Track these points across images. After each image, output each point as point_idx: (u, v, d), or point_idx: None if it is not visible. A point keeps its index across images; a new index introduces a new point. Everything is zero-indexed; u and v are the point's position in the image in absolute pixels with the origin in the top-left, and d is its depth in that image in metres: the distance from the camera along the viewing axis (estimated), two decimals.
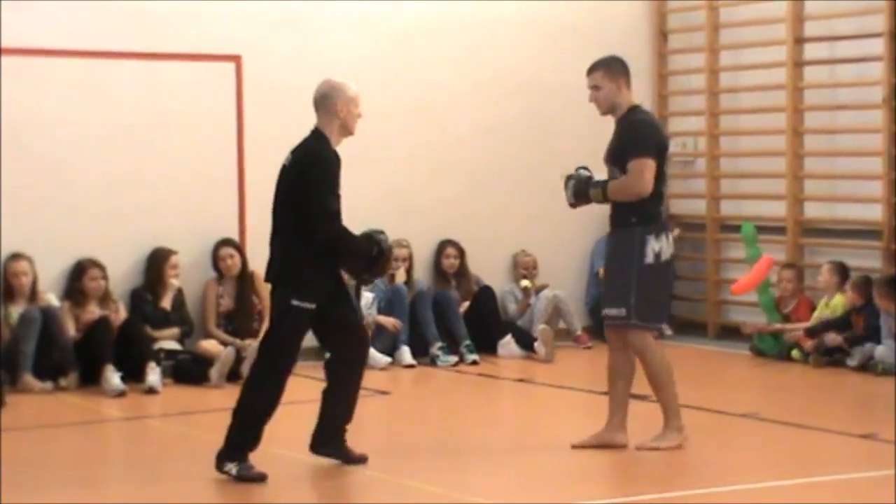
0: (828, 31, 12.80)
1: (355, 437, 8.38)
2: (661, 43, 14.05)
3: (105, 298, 11.50)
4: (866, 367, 11.47)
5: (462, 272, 12.99)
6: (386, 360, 12.04)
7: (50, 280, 11.49)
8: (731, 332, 13.07)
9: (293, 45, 12.44)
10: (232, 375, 11.13)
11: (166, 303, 11.70)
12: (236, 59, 12.23)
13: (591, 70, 8.66)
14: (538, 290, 13.12)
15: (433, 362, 12.26)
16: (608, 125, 8.76)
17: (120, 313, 11.50)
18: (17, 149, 11.40)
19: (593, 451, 8.59)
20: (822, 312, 12.14)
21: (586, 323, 13.10)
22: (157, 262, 11.76)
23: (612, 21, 13.60)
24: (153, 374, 10.96)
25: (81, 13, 11.70)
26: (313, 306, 8.00)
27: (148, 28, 11.92)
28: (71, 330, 11.24)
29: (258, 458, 8.02)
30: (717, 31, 13.65)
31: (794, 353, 12.02)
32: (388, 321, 12.27)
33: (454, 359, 12.28)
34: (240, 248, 12.03)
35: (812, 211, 13.04)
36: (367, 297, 12.15)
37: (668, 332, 13.58)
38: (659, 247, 8.52)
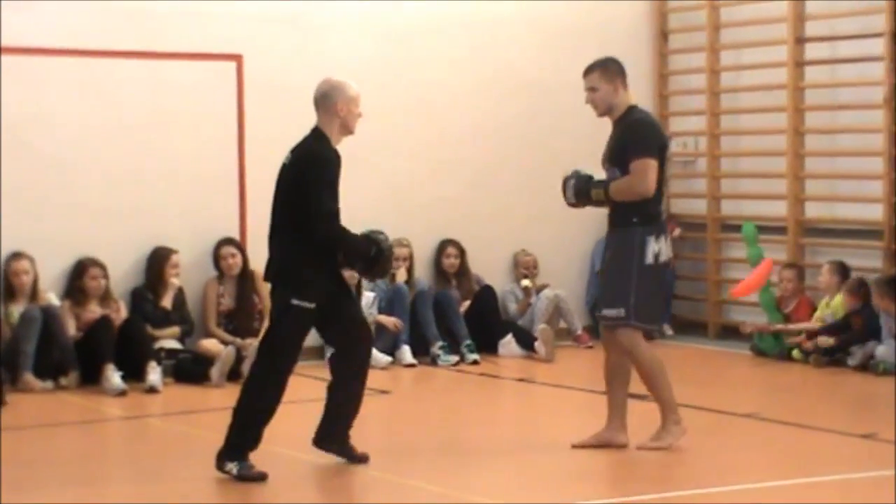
0: (829, 31, 12.80)
1: (356, 436, 8.38)
2: (661, 43, 14.05)
3: (106, 297, 11.50)
4: (867, 366, 11.47)
5: (463, 272, 12.99)
6: (387, 359, 12.04)
7: (51, 279, 11.49)
8: (731, 332, 13.07)
9: (294, 45, 12.44)
10: (232, 375, 11.13)
11: (167, 302, 11.70)
12: (237, 58, 12.23)
13: (588, 72, 8.65)
14: (539, 289, 13.12)
15: (434, 362, 12.26)
16: (609, 125, 8.75)
17: (121, 312, 11.49)
18: (18, 148, 11.40)
19: (594, 451, 8.59)
20: (822, 312, 12.14)
21: (587, 322, 13.10)
22: (158, 262, 11.76)
23: (612, 21, 13.60)
24: (154, 374, 10.96)
25: (82, 12, 11.70)
26: (313, 306, 8.00)
27: (148, 27, 11.92)
28: (71, 329, 11.24)
29: (258, 458, 8.02)
30: (718, 31, 13.65)
31: (795, 352, 12.02)
32: (389, 320, 12.27)
33: (455, 358, 12.28)
34: (241, 247, 12.03)
35: (813, 211, 13.05)
36: (367, 296, 12.15)
37: (669, 331, 13.61)
38: (658, 248, 8.53)
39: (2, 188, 11.31)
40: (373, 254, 8.10)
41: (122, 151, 11.84)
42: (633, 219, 8.50)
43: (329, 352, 8.55)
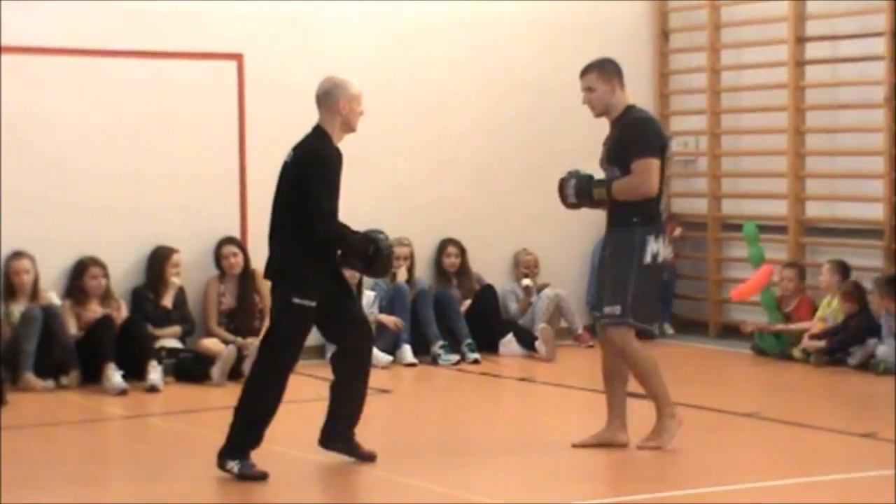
0: (829, 31, 12.81)
1: (357, 436, 8.37)
2: (662, 42, 14.05)
3: (106, 297, 11.50)
4: (867, 366, 11.47)
5: (463, 271, 13.00)
6: (387, 358, 12.04)
7: (51, 278, 11.49)
8: (732, 332, 13.07)
9: (295, 44, 12.44)
10: (233, 374, 11.14)
11: (168, 301, 11.71)
12: (238, 57, 12.23)
13: (585, 72, 8.65)
14: (539, 288, 13.13)
15: (434, 361, 12.27)
16: (609, 124, 8.75)
17: (121, 311, 11.50)
18: (19, 147, 11.40)
19: (594, 451, 8.59)
20: (823, 312, 12.13)
21: (588, 322, 13.08)
22: (159, 261, 11.76)
23: (613, 20, 13.60)
24: (154, 373, 10.96)
25: (82, 12, 11.70)
26: (314, 304, 8.00)
27: (149, 27, 11.92)
28: (72, 328, 11.24)
29: (259, 457, 8.02)
30: (719, 30, 13.65)
31: (796, 352, 12.02)
32: (390, 320, 12.28)
33: (455, 357, 12.28)
34: (242, 246, 12.03)
35: (813, 210, 13.05)
36: (368, 295, 12.16)
37: (670, 331, 13.61)
38: (657, 248, 8.53)
39: (2, 188, 11.31)
40: (371, 252, 8.09)
41: (122, 151, 11.84)
42: (634, 218, 8.50)
43: (330, 351, 8.55)
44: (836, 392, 11.07)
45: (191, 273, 11.93)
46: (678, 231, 13.72)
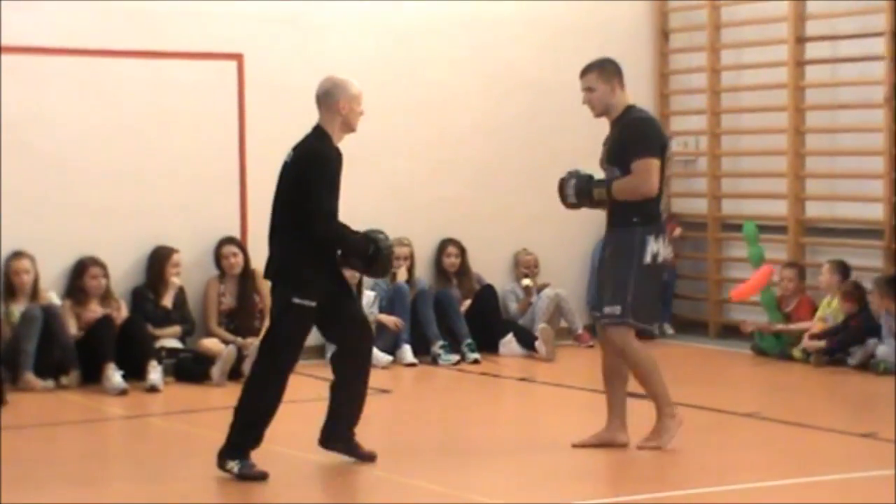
0: (829, 31, 12.81)
1: (357, 436, 8.37)
2: (662, 42, 14.05)
3: (106, 297, 11.50)
4: (867, 366, 11.47)
5: (463, 271, 13.00)
6: (387, 358, 12.04)
7: (51, 278, 11.49)
8: (732, 332, 13.07)
9: (295, 44, 12.44)
10: (233, 374, 11.14)
11: (168, 301, 11.71)
12: (238, 57, 12.23)
13: (585, 72, 8.65)
14: (539, 288, 13.13)
15: (435, 361, 12.27)
16: (608, 124, 8.75)
17: (121, 311, 11.50)
18: (19, 147, 11.40)
19: (594, 451, 8.59)
20: (824, 312, 12.13)
21: (588, 322, 13.07)
22: (159, 261, 11.76)
23: (613, 20, 13.60)
24: (154, 373, 10.96)
25: (82, 12, 11.70)
26: (314, 304, 8.00)
27: (149, 27, 11.92)
28: (72, 328, 11.24)
29: (259, 457, 8.02)
30: (719, 30, 13.65)
31: (796, 352, 12.02)
32: (390, 320, 12.28)
33: (455, 357, 12.28)
34: (242, 246, 12.03)
35: (813, 210, 13.05)
36: (368, 295, 12.16)
37: (670, 331, 13.61)
38: (657, 248, 8.53)
39: (2, 188, 11.30)
40: (371, 252, 8.09)
41: (122, 151, 11.84)
42: (634, 218, 8.50)
43: (330, 351, 8.55)
44: (836, 392, 11.07)
45: (191, 273, 11.93)
46: (678, 231, 13.72)
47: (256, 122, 12.20)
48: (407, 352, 12.23)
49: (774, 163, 13.16)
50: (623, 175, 8.50)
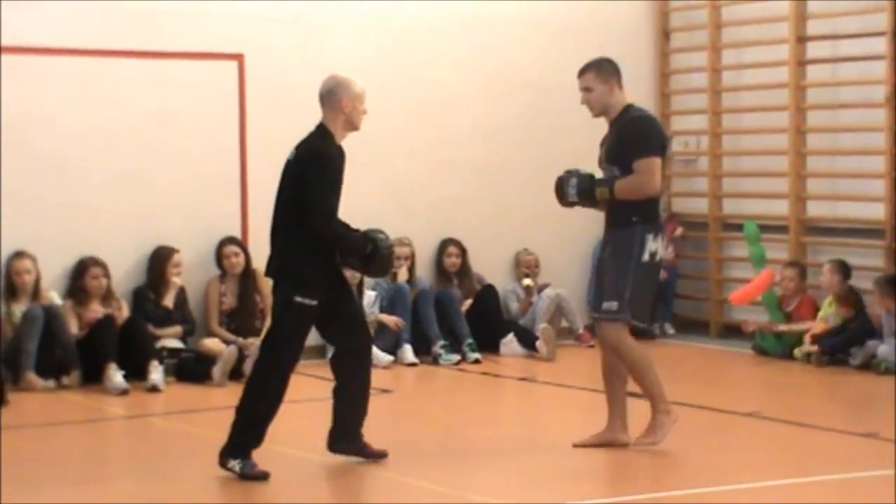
0: (830, 30, 12.80)
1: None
2: (663, 41, 14.05)
3: (107, 297, 11.50)
4: (868, 366, 11.47)
5: (464, 271, 13.00)
6: (388, 358, 12.04)
7: (53, 278, 11.49)
8: (733, 331, 13.06)
9: (295, 44, 12.45)
10: (234, 374, 11.14)
11: (168, 301, 11.71)
12: (239, 57, 12.23)
13: (583, 72, 8.64)
14: (540, 288, 13.13)
15: (435, 361, 12.27)
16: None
17: (122, 311, 11.50)
18: (19, 147, 11.40)
19: (595, 450, 8.58)
20: (825, 312, 12.13)
21: (588, 322, 13.08)
22: (160, 261, 11.76)
23: (613, 20, 13.60)
24: (156, 373, 10.96)
25: (83, 12, 11.70)
26: (315, 303, 8.00)
27: (150, 27, 11.92)
28: (73, 328, 11.25)
29: (260, 456, 8.02)
30: (720, 30, 13.65)
31: (797, 352, 12.01)
32: (391, 319, 12.28)
33: (456, 357, 12.28)
34: (244, 246, 12.03)
35: (814, 210, 13.05)
36: (369, 295, 12.17)
37: (671, 330, 13.61)
38: (655, 246, 8.52)
39: (3, 188, 11.31)
40: (369, 251, 8.07)
41: (123, 151, 11.85)
42: (633, 217, 8.49)
43: (330, 351, 8.54)
44: (836, 392, 11.07)
45: (192, 273, 11.93)
46: (679, 231, 13.73)
47: (257, 122, 12.21)
48: (408, 351, 12.23)
49: (775, 162, 13.16)
50: (623, 174, 8.49)
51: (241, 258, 11.97)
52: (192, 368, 11.35)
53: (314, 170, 7.99)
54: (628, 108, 8.63)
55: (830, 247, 12.69)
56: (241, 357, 11.24)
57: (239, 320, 11.90)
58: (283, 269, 8.09)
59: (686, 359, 12.52)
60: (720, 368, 12.27)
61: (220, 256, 12.02)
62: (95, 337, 11.12)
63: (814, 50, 12.90)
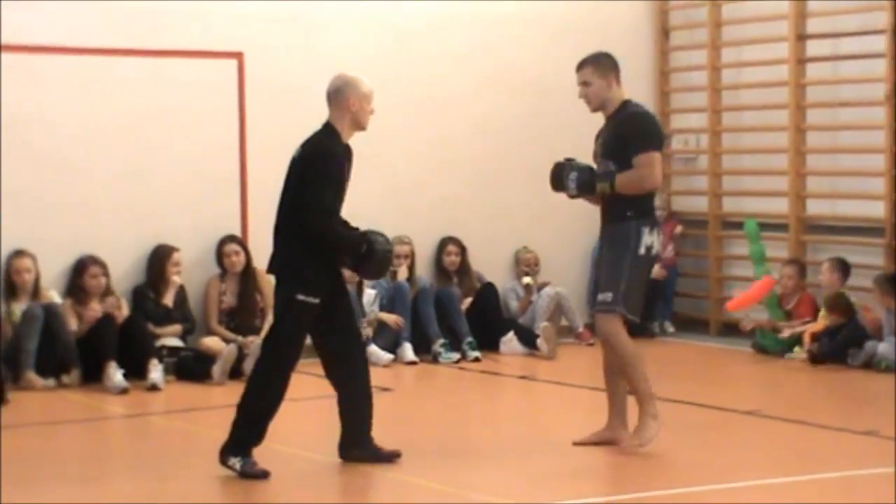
0: (830, 28, 12.80)
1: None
2: (662, 40, 14.05)
3: (107, 295, 11.50)
4: (868, 364, 11.47)
5: (464, 269, 13.00)
6: (388, 356, 12.04)
7: (52, 277, 11.49)
8: (733, 329, 13.05)
9: (295, 43, 12.45)
10: (234, 372, 11.14)
11: (168, 300, 11.71)
12: (238, 56, 12.23)
13: (581, 66, 8.62)
14: (540, 287, 13.13)
15: (435, 359, 12.26)
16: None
17: (122, 310, 11.49)
18: (19, 146, 11.40)
19: (596, 449, 8.58)
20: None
21: (588, 320, 13.08)
22: (160, 259, 11.76)
23: (613, 18, 13.60)
24: (155, 371, 10.96)
25: (83, 10, 11.70)
26: (317, 301, 7.99)
27: (150, 25, 11.92)
28: (73, 327, 11.24)
29: (259, 455, 8.02)
30: (720, 28, 13.65)
31: (796, 350, 12.00)
32: (391, 318, 12.28)
33: (456, 356, 12.28)
34: (244, 244, 12.03)
35: (814, 208, 13.05)
36: (369, 293, 12.18)
37: (671, 328, 13.61)
38: (651, 240, 8.49)
39: (3, 187, 11.31)
40: (363, 251, 8.06)
41: (123, 149, 11.84)
42: (628, 213, 8.47)
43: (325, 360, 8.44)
44: (836, 390, 11.07)
45: (192, 272, 11.93)
46: (679, 229, 13.73)
47: (257, 121, 12.21)
48: (408, 350, 12.23)
49: (775, 160, 13.17)
50: (618, 169, 8.47)
51: (242, 257, 11.97)
52: (191, 367, 11.35)
53: (316, 167, 7.98)
54: (626, 104, 8.62)
55: (830, 245, 12.70)
56: (240, 356, 11.25)
57: (239, 319, 11.90)
58: (285, 268, 8.09)
59: (686, 357, 12.53)
60: (720, 367, 12.28)
61: (220, 255, 12.02)
62: (95, 336, 11.12)
63: (814, 48, 12.90)
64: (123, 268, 11.78)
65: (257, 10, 12.30)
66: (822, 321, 12.03)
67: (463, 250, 13.00)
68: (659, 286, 13.17)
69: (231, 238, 12.03)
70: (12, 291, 11.27)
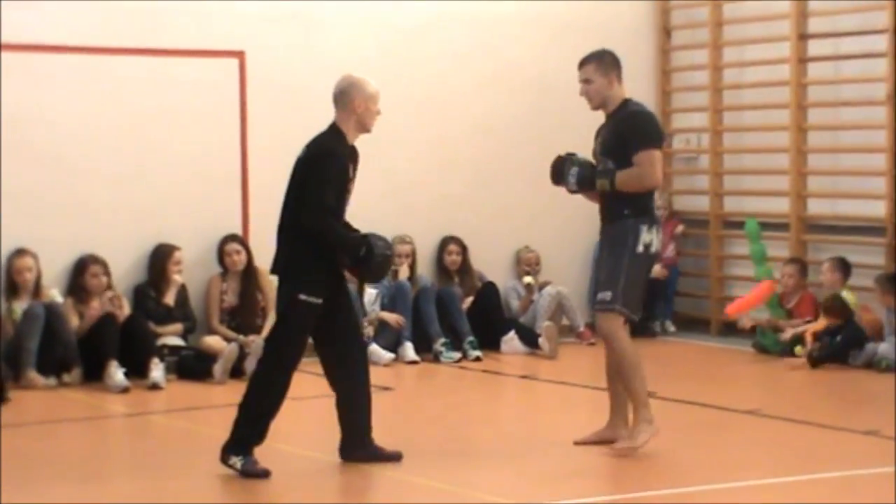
0: (832, 28, 12.80)
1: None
2: (664, 39, 14.05)
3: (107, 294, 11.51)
4: (869, 363, 11.47)
5: (465, 269, 13.00)
6: (389, 356, 12.04)
7: (54, 276, 11.50)
8: (733, 329, 13.05)
9: (296, 42, 12.45)
10: (235, 371, 11.15)
11: (169, 299, 11.71)
12: (240, 55, 12.23)
13: (583, 64, 8.62)
14: (541, 286, 13.13)
15: (436, 358, 12.27)
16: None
17: (123, 309, 11.50)
18: (20, 145, 11.40)
19: (597, 448, 8.58)
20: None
21: (589, 319, 13.07)
22: (161, 259, 11.77)
23: (615, 17, 13.60)
24: (156, 370, 10.97)
25: (83, 9, 11.70)
26: (320, 301, 7.99)
27: (151, 24, 11.93)
28: (74, 326, 11.24)
29: (260, 454, 8.02)
30: (721, 28, 13.64)
31: (798, 349, 12.00)
32: (392, 317, 12.28)
33: (457, 355, 12.28)
34: (245, 243, 12.03)
35: (815, 207, 13.04)
36: (370, 292, 12.18)
37: (671, 328, 13.61)
38: (650, 238, 8.48)
39: (3, 186, 11.31)
40: (362, 254, 8.05)
41: (124, 148, 11.85)
42: (625, 211, 8.46)
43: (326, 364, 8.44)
44: (836, 389, 11.06)
45: (193, 271, 11.93)
46: (680, 228, 13.73)
47: (258, 120, 12.21)
48: (409, 349, 12.23)
49: (776, 160, 13.17)
50: (617, 167, 8.46)
51: (243, 256, 11.97)
52: (192, 366, 11.35)
53: (318, 167, 7.99)
54: (626, 103, 8.62)
55: (831, 244, 12.70)
56: (241, 355, 11.25)
57: (240, 318, 11.90)
58: (288, 267, 8.09)
59: (686, 356, 12.53)
60: (720, 366, 12.27)
61: (221, 254, 12.02)
62: (96, 335, 11.12)
63: (815, 47, 12.90)
64: (124, 267, 11.78)
65: (258, 10, 12.30)
66: (823, 320, 12.03)
67: (464, 249, 13.00)
68: (660, 285, 13.17)
69: (232, 237, 12.03)
70: (13, 290, 11.27)
